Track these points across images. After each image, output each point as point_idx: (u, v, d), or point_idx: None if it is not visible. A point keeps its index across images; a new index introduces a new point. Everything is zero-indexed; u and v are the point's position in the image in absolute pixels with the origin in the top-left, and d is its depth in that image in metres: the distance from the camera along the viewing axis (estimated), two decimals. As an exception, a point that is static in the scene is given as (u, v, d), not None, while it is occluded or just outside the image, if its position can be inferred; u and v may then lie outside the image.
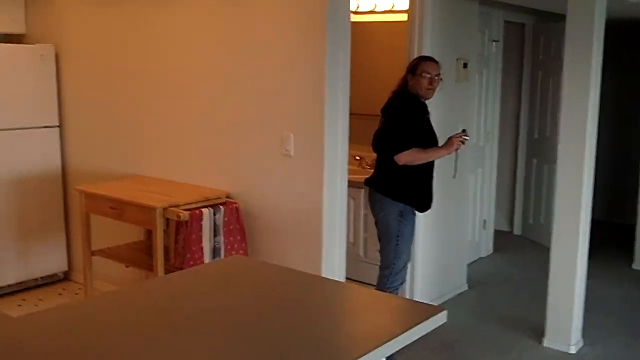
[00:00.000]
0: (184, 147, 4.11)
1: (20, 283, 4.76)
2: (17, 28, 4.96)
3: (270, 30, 3.60)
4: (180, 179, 4.12)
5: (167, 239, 3.68)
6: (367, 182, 3.83)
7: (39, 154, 4.76)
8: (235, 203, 3.75)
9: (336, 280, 2.14)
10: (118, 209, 3.74)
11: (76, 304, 1.96)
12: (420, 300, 4.37)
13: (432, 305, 1.97)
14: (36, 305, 4.49)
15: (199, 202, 3.67)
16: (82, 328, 1.73)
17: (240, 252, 3.74)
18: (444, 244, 4.66)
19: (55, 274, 4.96)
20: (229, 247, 3.70)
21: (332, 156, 3.53)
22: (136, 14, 4.27)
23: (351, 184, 4.26)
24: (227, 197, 3.86)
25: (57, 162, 4.87)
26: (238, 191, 3.84)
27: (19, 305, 4.49)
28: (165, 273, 3.63)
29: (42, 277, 4.88)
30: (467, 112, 4.76)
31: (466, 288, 4.98)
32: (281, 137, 3.61)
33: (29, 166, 4.70)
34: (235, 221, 3.72)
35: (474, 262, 5.58)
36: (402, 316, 1.88)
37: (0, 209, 4.57)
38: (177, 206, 3.57)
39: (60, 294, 4.75)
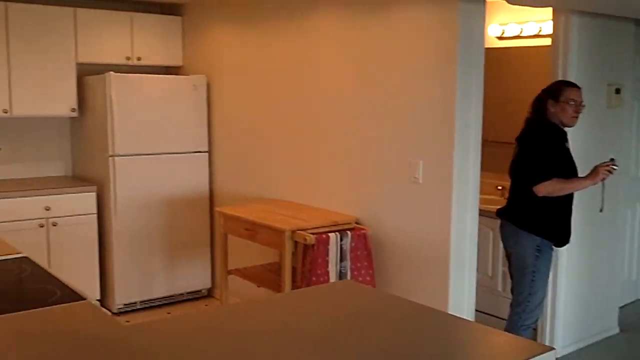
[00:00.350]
0: (318, 173, 4.19)
1: (168, 297, 5.08)
2: (175, 61, 5.37)
3: (401, 58, 3.59)
4: (314, 203, 4.20)
5: (297, 262, 3.76)
6: (500, 214, 3.65)
7: (190, 177, 5.08)
8: (363, 229, 3.75)
9: (443, 312, 2.05)
10: (252, 230, 3.88)
11: (174, 318, 2.05)
12: (562, 343, 4.10)
13: (541, 344, 1.83)
14: (180, 319, 4.76)
15: (327, 226, 3.72)
16: (176, 341, 1.80)
17: (367, 278, 3.72)
18: (590, 283, 4.31)
19: (200, 290, 5.24)
20: (355, 272, 3.70)
21: (462, 184, 3.43)
22: (276, 47, 4.45)
23: (490, 215, 4.11)
24: (356, 222, 3.87)
25: (206, 185, 5.17)
26: (367, 217, 3.85)
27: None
28: (292, 295, 3.71)
29: (187, 293, 5.17)
30: (619, 141, 4.41)
31: (617, 331, 4.56)
32: (410, 164, 3.57)
33: (181, 188, 5.04)
34: (363, 247, 3.72)
35: (629, 304, 5.11)
36: (502, 353, 1.77)
37: (154, 226, 4.93)
38: (305, 230, 3.64)
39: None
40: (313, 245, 3.55)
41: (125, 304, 4.87)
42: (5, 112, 4.64)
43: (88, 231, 4.76)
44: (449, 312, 3.42)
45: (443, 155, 3.41)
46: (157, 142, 4.90)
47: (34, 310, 2.04)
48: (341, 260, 3.65)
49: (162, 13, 5.42)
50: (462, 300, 3.50)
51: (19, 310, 2.03)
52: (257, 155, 4.71)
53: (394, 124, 3.67)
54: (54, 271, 4.57)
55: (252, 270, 4.22)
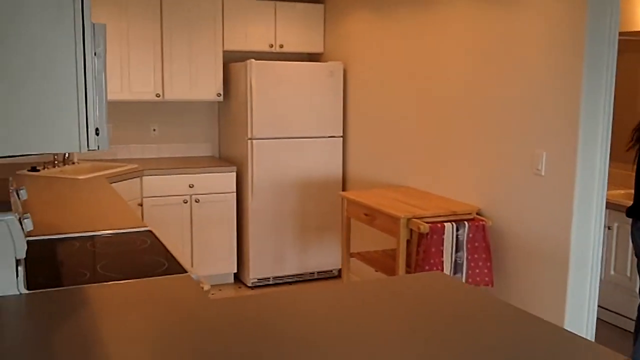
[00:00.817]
0: (443, 161, 4.15)
1: (299, 275, 5.31)
2: (316, 48, 5.54)
3: (527, 47, 3.45)
4: (438, 191, 4.18)
5: (412, 249, 3.77)
6: (632, 213, 3.40)
7: (324, 161, 5.24)
8: (482, 220, 3.67)
9: (533, 316, 1.99)
10: (370, 215, 3.95)
11: (249, 297, 2.17)
12: None
13: (617, 353, 1.73)
14: (308, 297, 4.96)
15: (444, 215, 3.69)
16: (241, 317, 1.92)
17: (485, 270, 3.65)
18: None
19: (330, 271, 5.40)
20: (472, 264, 3.64)
21: (586, 179, 3.24)
22: (408, 35, 4.44)
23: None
24: (477, 213, 3.80)
25: (339, 169, 5.30)
26: (488, 208, 3.76)
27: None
28: (406, 282, 3.73)
29: (318, 272, 5.36)
30: None
31: None
32: (533, 155, 3.44)
33: (315, 171, 5.22)
34: (481, 238, 3.64)
35: None
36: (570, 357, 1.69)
37: (288, 207, 5.16)
38: (421, 218, 3.64)
39: (330, 290, 5.15)
40: (427, 233, 3.54)
41: (258, 279, 5.15)
42: (158, 97, 5.07)
43: (227, 208, 5.09)
44: (566, 313, 3.29)
45: (567, 148, 3.24)
46: (294, 126, 5.10)
47: (141, 279, 2.28)
48: (457, 250, 3.61)
49: (305, 1, 5.60)
50: (582, 301, 3.33)
51: (130, 278, 2.28)
52: (387, 141, 4.75)
53: (518, 114, 3.54)
54: (195, 244, 4.95)
55: (373, 255, 4.29)
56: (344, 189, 5.34)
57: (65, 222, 3.14)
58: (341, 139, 5.29)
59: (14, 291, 2.15)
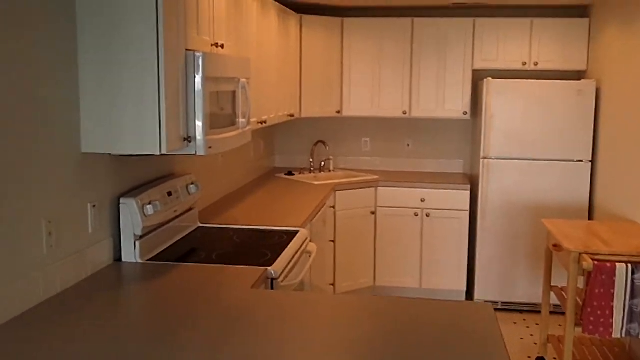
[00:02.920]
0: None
1: (530, 304, 5.00)
2: (578, 65, 5.14)
3: None
4: (654, 229, 3.60)
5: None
6: None
7: (566, 186, 4.86)
8: (673, 266, 3.09)
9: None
10: (557, 247, 3.63)
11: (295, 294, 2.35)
12: None
13: None
14: (528, 328, 4.69)
15: (627, 254, 3.21)
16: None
17: (671, 326, 3.08)
18: None
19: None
20: (653, 316, 3.10)
21: None
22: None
23: None
24: (678, 258, 3.20)
25: (584, 196, 4.85)
26: (689, 254, 3.13)
27: (515, 323, 4.78)
28: (576, 325, 3.36)
29: (554, 305, 4.96)
30: None
31: None
32: None
33: (554, 196, 4.87)
34: (669, 288, 3.08)
35: None
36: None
37: (520, 231, 4.94)
38: (595, 254, 3.24)
39: (560, 325, 4.75)
40: (590, 272, 3.15)
41: (485, 301, 5.02)
42: (404, 114, 5.36)
43: (458, 226, 5.10)
44: None
45: None
46: (532, 147, 4.86)
47: (223, 265, 2.70)
48: (632, 297, 3.12)
49: (567, 16, 5.25)
50: None
51: (220, 263, 2.74)
52: (637, 171, 4.15)
53: None
54: (424, 257, 5.14)
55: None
56: (590, 219, 4.86)
57: (249, 217, 3.71)
58: (590, 164, 4.83)
59: (132, 259, 2.77)
